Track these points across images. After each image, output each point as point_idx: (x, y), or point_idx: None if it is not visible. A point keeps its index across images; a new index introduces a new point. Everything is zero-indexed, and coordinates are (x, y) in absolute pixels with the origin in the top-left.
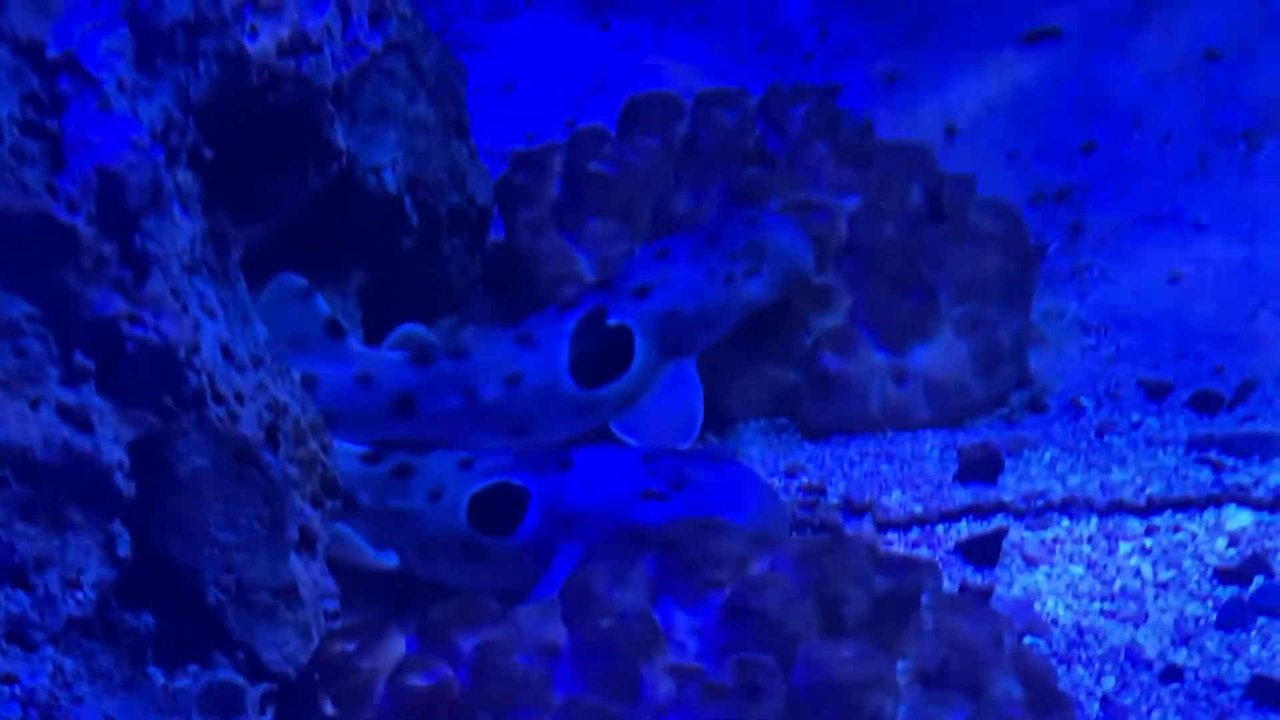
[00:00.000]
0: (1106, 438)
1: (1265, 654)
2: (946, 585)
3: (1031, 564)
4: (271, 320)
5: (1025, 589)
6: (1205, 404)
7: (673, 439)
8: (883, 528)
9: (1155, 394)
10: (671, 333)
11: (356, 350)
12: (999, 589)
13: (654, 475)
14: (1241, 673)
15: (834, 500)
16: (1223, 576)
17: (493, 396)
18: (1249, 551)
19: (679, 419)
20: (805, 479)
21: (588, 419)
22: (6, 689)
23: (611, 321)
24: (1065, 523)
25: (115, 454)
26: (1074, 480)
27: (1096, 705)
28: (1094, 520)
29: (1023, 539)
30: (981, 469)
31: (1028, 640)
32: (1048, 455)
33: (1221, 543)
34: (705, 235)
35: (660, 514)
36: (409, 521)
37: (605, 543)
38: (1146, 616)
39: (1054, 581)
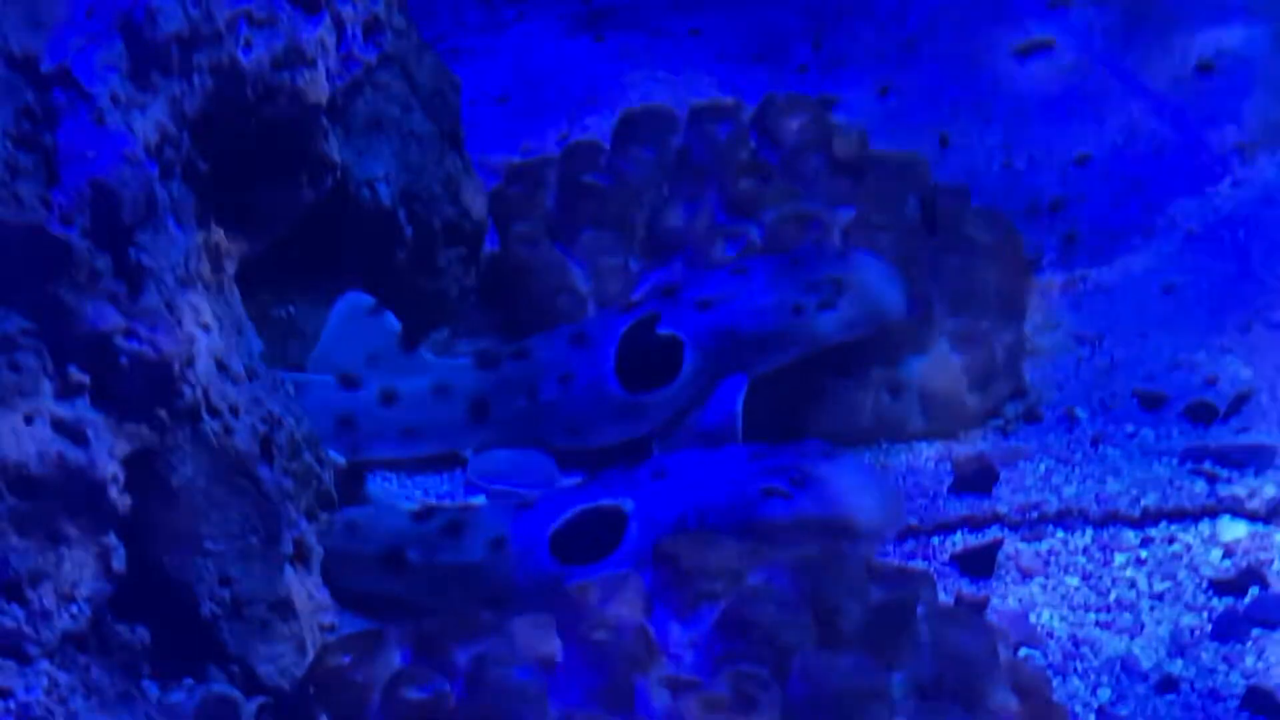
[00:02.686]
0: (1101, 449)
1: (1261, 665)
2: (942, 597)
3: (1027, 575)
4: (345, 339)
5: (1021, 600)
6: (1200, 415)
7: None
8: None
9: (1150, 405)
10: (725, 350)
11: (430, 361)
12: (994, 601)
13: (773, 473)
14: (1237, 684)
15: None
16: (1218, 588)
17: (551, 396)
18: (1244, 563)
19: (712, 441)
20: None
21: (633, 424)
22: (1, 703)
23: (663, 330)
24: (1060, 534)
25: (110, 468)
26: (1069, 491)
27: (1092, 717)
28: (1089, 532)
29: (1018, 550)
30: (976, 480)
31: (1023, 652)
32: (1042, 467)
33: (1216, 554)
34: (789, 259)
35: (786, 511)
36: (467, 575)
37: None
38: (1142, 628)
39: (1049, 593)
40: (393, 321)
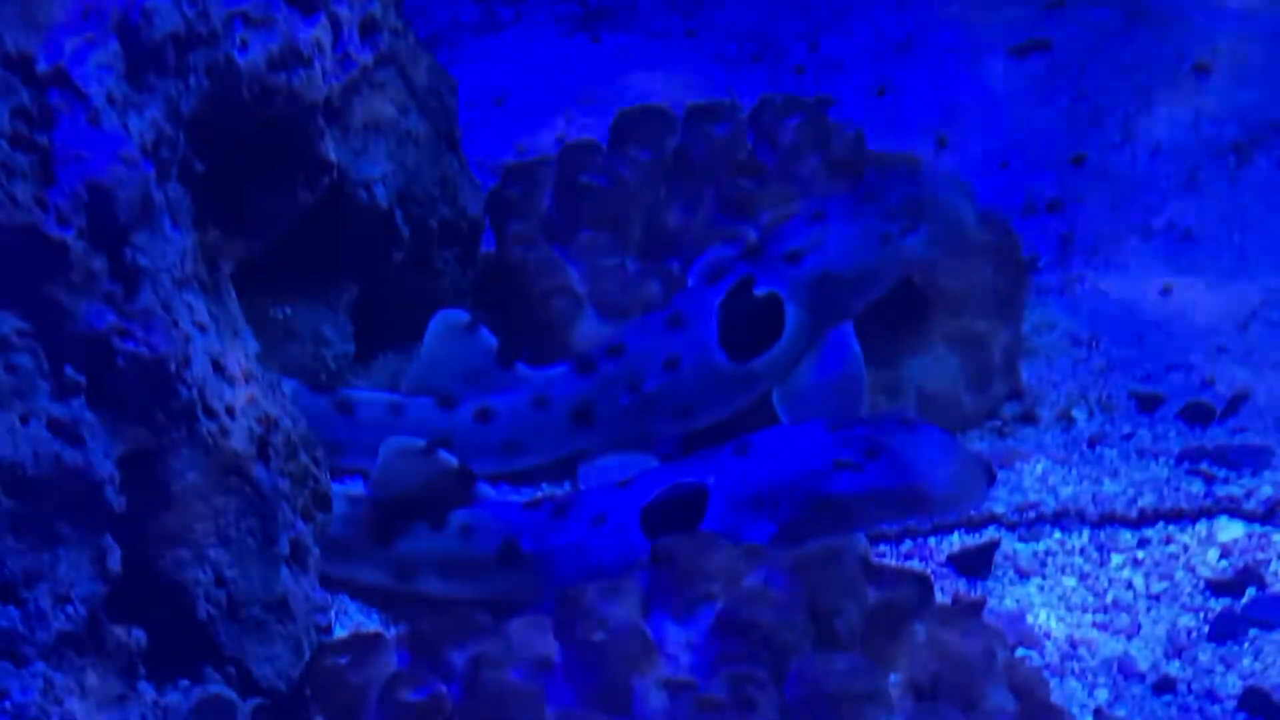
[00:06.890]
0: (1098, 450)
1: (1258, 665)
2: (939, 598)
3: (1024, 576)
4: (441, 359)
5: (1018, 601)
6: (1197, 416)
7: (839, 411)
8: (875, 540)
9: (1147, 406)
10: (825, 297)
11: (526, 375)
12: (991, 601)
13: (845, 446)
14: (1234, 685)
15: None
16: (1215, 588)
17: (656, 385)
18: (1241, 563)
19: (843, 389)
20: None
21: (745, 393)
22: None
23: (760, 290)
24: (1057, 535)
25: (106, 468)
26: (1066, 492)
27: (1090, 718)
28: (1086, 532)
29: (1015, 551)
30: None
31: (1020, 653)
32: (1040, 467)
33: (1213, 554)
34: (861, 193)
35: (855, 485)
36: (570, 555)
37: (799, 518)
38: (1139, 628)
39: (1046, 594)
40: (488, 337)
